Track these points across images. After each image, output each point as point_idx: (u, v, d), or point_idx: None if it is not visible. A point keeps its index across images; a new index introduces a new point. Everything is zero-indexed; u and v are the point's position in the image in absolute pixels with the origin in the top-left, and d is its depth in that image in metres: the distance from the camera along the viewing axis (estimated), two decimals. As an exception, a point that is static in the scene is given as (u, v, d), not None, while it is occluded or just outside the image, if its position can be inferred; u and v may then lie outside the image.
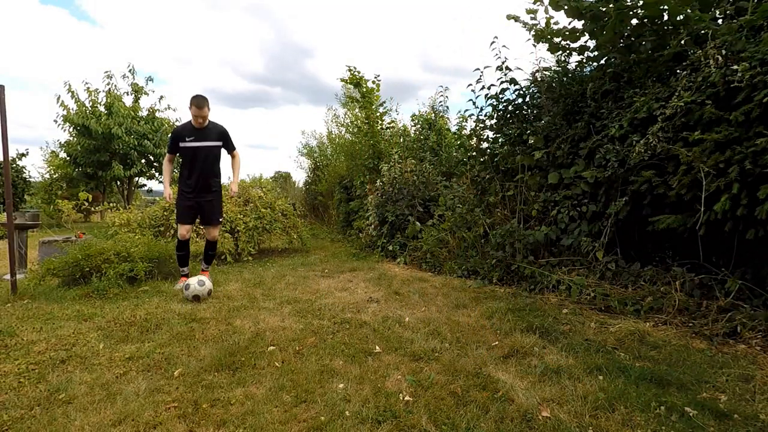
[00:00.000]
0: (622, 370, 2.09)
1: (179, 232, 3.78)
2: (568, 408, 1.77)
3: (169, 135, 3.74)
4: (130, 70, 13.36)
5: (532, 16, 4.04)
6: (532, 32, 4.12)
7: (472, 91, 4.85)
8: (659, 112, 3.10)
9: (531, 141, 4.27)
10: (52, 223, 10.53)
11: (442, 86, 11.47)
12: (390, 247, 5.65)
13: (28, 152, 15.06)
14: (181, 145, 3.66)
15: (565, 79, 4.28)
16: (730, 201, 2.63)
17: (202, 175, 3.72)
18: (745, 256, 2.93)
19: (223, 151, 3.86)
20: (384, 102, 7.78)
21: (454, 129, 6.53)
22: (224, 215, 5.54)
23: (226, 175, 4.15)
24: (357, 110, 8.70)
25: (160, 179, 14.87)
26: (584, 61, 4.24)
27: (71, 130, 12.51)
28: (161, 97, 13.94)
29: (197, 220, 4.07)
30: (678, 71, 3.21)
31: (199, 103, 3.56)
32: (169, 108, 14.11)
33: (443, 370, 2.14)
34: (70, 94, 12.28)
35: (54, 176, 14.55)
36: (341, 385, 1.98)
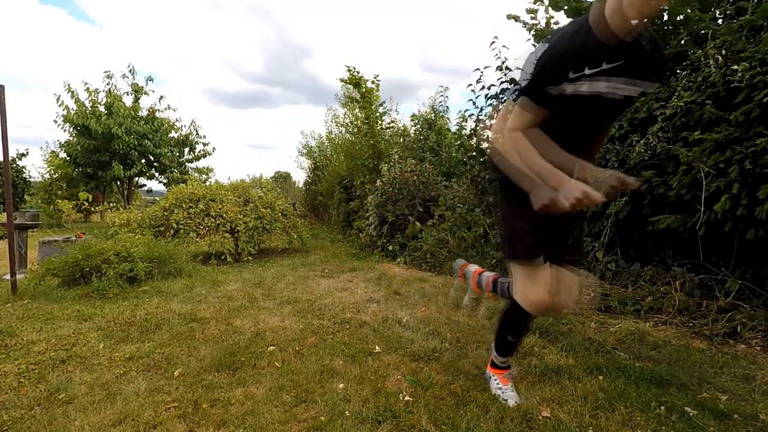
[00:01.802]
0: (622, 370, 2.09)
1: (533, 294, 1.62)
2: (568, 408, 1.77)
3: (544, 59, 1.36)
4: (130, 70, 13.35)
5: (532, 16, 4.04)
6: (532, 32, 4.12)
7: (472, 91, 4.86)
8: (659, 112, 3.10)
9: (531, 141, 4.27)
10: (52, 223, 10.52)
11: (442, 86, 11.47)
12: (390, 247, 5.65)
13: (28, 152, 15.07)
14: (567, 88, 1.38)
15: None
16: (730, 201, 2.63)
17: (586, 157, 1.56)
18: (745, 256, 2.93)
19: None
20: (383, 102, 7.78)
21: (454, 129, 6.53)
22: (224, 215, 5.55)
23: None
24: (357, 110, 8.70)
25: (160, 179, 14.84)
26: (584, 61, 4.24)
27: (71, 130, 12.51)
28: (161, 97, 13.92)
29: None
30: (678, 71, 3.21)
31: None
32: (169, 108, 14.12)
33: (443, 370, 2.14)
34: (69, 94, 12.28)
35: (54, 176, 14.56)
36: (341, 385, 1.98)
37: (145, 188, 16.17)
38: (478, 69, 4.70)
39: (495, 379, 1.92)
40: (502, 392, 1.86)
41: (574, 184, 1.32)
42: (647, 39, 1.40)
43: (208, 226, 5.44)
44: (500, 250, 2.10)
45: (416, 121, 8.02)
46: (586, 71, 1.35)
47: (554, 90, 1.40)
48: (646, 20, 1.32)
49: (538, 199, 1.39)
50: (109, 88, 12.76)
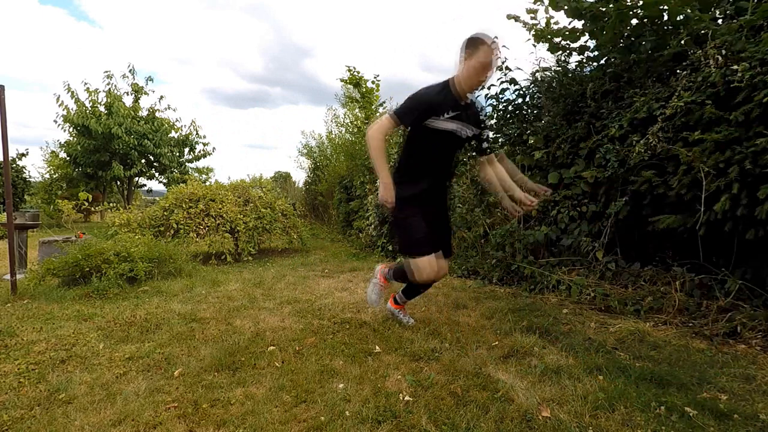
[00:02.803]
0: (622, 370, 2.09)
1: (423, 271, 2.24)
2: (568, 408, 1.77)
3: (413, 97, 2.23)
4: (130, 70, 13.38)
5: (532, 16, 4.04)
6: (532, 32, 4.12)
7: (472, 91, 4.85)
8: (659, 112, 3.10)
9: (531, 141, 4.28)
10: (52, 223, 10.53)
11: (442, 86, 11.45)
12: (390, 247, 5.65)
13: (28, 152, 15.08)
14: (430, 123, 2.20)
15: (565, 79, 4.28)
16: (730, 201, 2.63)
17: (440, 178, 2.41)
18: (745, 256, 2.93)
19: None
20: (384, 102, 7.78)
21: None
22: (224, 215, 5.55)
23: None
24: (357, 110, 8.70)
25: (160, 179, 14.86)
26: (584, 61, 4.24)
27: (71, 130, 12.52)
28: (161, 97, 13.95)
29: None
30: (678, 71, 3.21)
31: (494, 47, 2.12)
32: (169, 108, 14.13)
33: (443, 370, 2.14)
34: (69, 94, 12.29)
35: (54, 176, 14.56)
36: (341, 385, 1.98)
37: (145, 188, 16.18)
38: (478, 69, 4.70)
39: (399, 312, 2.84)
40: (406, 319, 2.80)
41: (384, 190, 2.20)
42: (474, 101, 2.38)
43: (208, 226, 5.44)
44: (396, 246, 2.87)
45: (416, 121, 8.01)
46: (443, 116, 2.20)
47: (426, 122, 2.21)
48: (474, 90, 2.26)
49: (380, 193, 2.21)
50: (109, 88, 12.77)
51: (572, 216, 3.74)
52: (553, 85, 4.37)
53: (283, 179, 16.18)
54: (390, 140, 7.74)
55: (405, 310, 2.86)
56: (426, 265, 2.24)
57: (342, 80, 7.44)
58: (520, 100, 4.70)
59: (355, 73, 7.22)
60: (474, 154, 2.62)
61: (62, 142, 13.07)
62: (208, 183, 8.96)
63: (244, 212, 5.77)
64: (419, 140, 2.29)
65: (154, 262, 4.22)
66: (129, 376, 2.10)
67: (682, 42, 3.31)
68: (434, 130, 2.21)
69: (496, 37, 2.14)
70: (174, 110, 15.15)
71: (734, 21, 2.97)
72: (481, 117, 2.37)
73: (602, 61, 4.06)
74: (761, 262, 2.82)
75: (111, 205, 7.29)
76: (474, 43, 2.15)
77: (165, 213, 5.50)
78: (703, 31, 3.19)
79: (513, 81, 4.61)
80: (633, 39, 3.68)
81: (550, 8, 3.85)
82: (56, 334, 2.67)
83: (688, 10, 3.24)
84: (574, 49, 4.18)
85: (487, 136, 2.46)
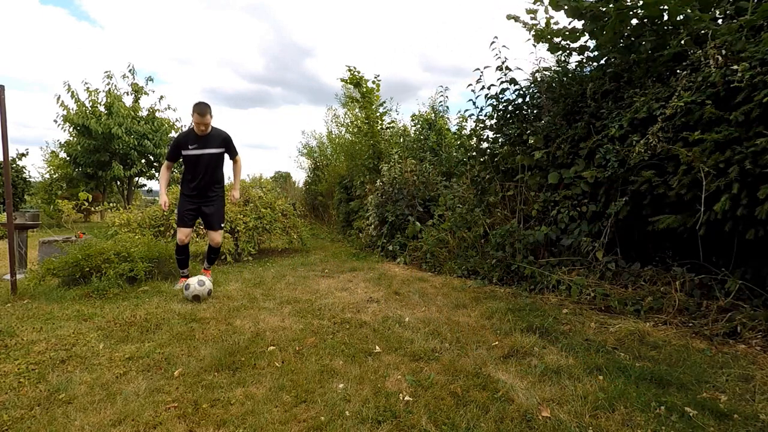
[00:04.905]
0: (622, 370, 2.09)
1: (178, 236, 3.75)
2: (568, 408, 1.77)
3: (171, 142, 3.65)
4: (130, 70, 13.36)
5: (532, 16, 4.04)
6: (532, 32, 4.11)
7: (472, 91, 4.85)
8: (659, 112, 3.10)
9: (531, 141, 4.27)
10: (52, 223, 10.53)
11: (442, 86, 11.48)
12: (390, 247, 5.65)
13: (28, 152, 15.08)
14: (184, 153, 3.66)
15: (565, 79, 4.28)
16: (730, 201, 2.63)
17: (204, 182, 3.74)
18: (745, 256, 2.93)
19: (226, 156, 3.84)
20: (384, 102, 7.78)
21: (454, 129, 6.53)
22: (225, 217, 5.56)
23: (227, 177, 4.15)
24: (357, 110, 8.71)
25: (160, 180, 14.90)
26: (584, 61, 4.24)
27: (71, 130, 12.51)
28: (161, 97, 13.94)
29: (201, 225, 4.04)
30: (678, 71, 3.21)
31: (201, 110, 3.52)
32: (169, 108, 14.14)
33: (443, 370, 2.14)
34: (70, 94, 12.28)
35: (54, 176, 14.55)
36: (341, 385, 1.98)
37: (145, 188, 16.16)
38: (478, 69, 4.70)
39: (184, 283, 3.57)
40: (184, 286, 3.51)
41: (162, 198, 3.87)
42: (211, 133, 3.70)
43: (208, 226, 5.43)
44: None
45: (416, 121, 8.02)
46: (190, 145, 3.65)
47: (182, 152, 3.68)
48: (204, 131, 3.63)
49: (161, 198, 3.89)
50: (109, 88, 12.75)
51: (572, 216, 3.74)
52: (553, 85, 4.37)
53: (283, 179, 16.16)
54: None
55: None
56: (180, 231, 3.78)
57: (342, 80, 7.43)
58: (520, 100, 4.70)
59: (356, 73, 7.21)
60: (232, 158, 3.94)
61: (62, 142, 13.06)
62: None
63: (244, 212, 5.77)
64: (185, 162, 3.77)
65: (154, 262, 4.22)
66: (129, 376, 2.10)
67: (682, 42, 3.31)
68: (188, 155, 3.69)
69: (201, 108, 3.54)
70: (174, 110, 15.21)
71: (734, 21, 2.97)
72: (219, 139, 3.74)
73: (602, 61, 4.06)
74: (761, 262, 2.82)
75: (111, 205, 7.29)
76: (192, 110, 3.57)
77: (165, 213, 5.49)
78: (703, 31, 3.19)
79: (513, 81, 4.61)
80: (633, 39, 3.68)
81: (550, 8, 3.86)
82: (56, 334, 2.67)
83: (688, 10, 3.24)
84: (574, 49, 4.18)
85: (228, 147, 3.80)
